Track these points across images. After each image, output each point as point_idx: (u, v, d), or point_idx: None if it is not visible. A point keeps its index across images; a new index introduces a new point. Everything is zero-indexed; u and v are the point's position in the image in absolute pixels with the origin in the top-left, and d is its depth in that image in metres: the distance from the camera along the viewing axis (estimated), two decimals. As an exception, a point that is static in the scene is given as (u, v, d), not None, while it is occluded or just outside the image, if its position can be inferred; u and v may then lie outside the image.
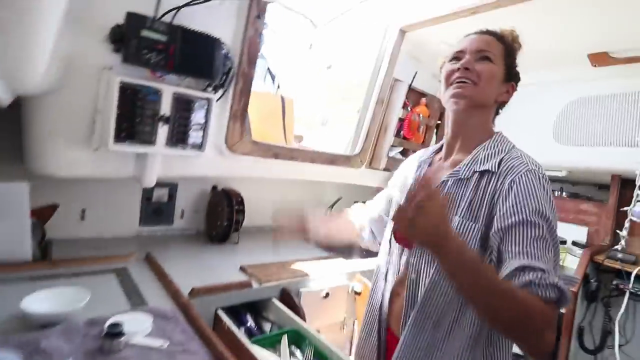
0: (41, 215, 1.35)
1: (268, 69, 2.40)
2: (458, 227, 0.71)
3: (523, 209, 0.65)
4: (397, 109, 1.86)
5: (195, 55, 1.10)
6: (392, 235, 0.88)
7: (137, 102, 1.09)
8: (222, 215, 1.66)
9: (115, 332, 0.76)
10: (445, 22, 1.64)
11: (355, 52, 2.21)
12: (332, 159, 1.78)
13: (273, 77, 2.42)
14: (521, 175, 0.68)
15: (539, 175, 0.69)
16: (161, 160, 1.27)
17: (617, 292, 1.48)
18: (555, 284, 0.58)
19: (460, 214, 0.73)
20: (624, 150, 1.63)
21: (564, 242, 1.82)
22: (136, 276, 1.19)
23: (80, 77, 1.05)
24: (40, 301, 0.86)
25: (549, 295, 0.58)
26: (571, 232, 1.89)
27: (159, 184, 1.66)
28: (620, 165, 1.65)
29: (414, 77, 1.89)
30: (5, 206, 1.05)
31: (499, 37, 0.82)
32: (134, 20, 0.99)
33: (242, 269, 1.37)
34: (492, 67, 0.78)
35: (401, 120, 1.94)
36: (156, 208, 1.66)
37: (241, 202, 1.73)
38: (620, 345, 1.64)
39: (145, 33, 1.01)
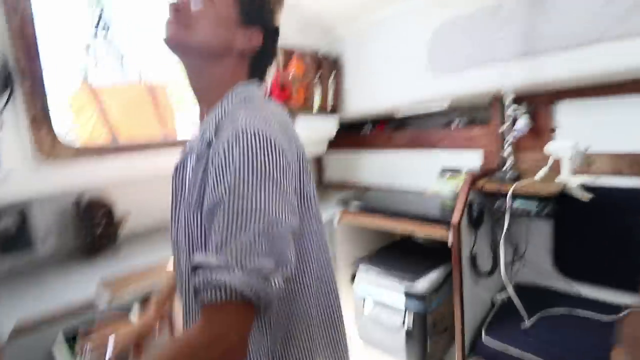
0: None
1: (122, 57, 2.13)
2: (186, 225, 0.59)
3: (217, 188, 0.51)
4: (261, 70, 1.69)
5: None
6: None
7: None
8: (83, 232, 1.50)
9: None
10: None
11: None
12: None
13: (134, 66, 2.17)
14: (223, 143, 0.53)
15: (243, 137, 0.52)
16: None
17: (500, 213, 1.46)
18: (218, 284, 0.46)
19: (191, 206, 0.59)
20: (497, 70, 1.56)
21: (456, 171, 1.79)
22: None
23: None
24: None
25: (211, 298, 0.46)
26: (467, 159, 1.87)
27: (-1, 213, 1.45)
28: (496, 84, 1.59)
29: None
30: None
31: None
32: None
33: (104, 283, 1.24)
34: (211, 7, 0.63)
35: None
36: (5, 239, 1.46)
37: (106, 214, 1.56)
38: (519, 258, 1.68)
39: None
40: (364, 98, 2.12)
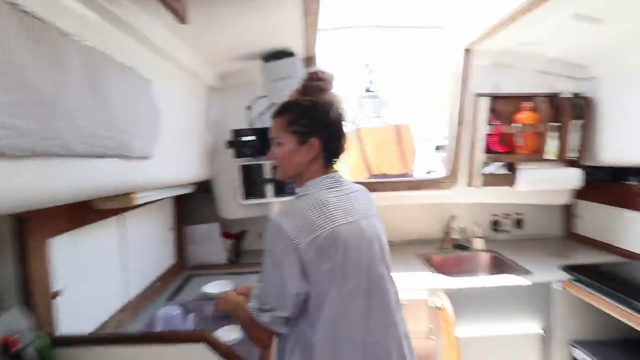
0: (238, 237, 2.37)
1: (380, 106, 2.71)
2: None
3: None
4: (482, 124, 1.79)
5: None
6: None
7: (250, 174, 1.86)
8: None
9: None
10: (506, 27, 1.54)
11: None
12: (416, 185, 1.96)
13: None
14: None
15: (269, 227, 0.86)
16: (277, 204, 1.99)
17: None
18: (254, 313, 0.88)
19: None
20: None
21: None
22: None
23: (225, 166, 1.92)
24: (212, 287, 1.71)
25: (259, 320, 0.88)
26: None
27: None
28: None
29: (495, 89, 1.77)
30: (210, 235, 2.06)
31: (280, 111, 0.93)
32: (235, 133, 1.76)
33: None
34: (282, 149, 0.92)
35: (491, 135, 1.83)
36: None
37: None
38: None
39: (242, 138, 1.76)
40: (628, 145, 1.72)
